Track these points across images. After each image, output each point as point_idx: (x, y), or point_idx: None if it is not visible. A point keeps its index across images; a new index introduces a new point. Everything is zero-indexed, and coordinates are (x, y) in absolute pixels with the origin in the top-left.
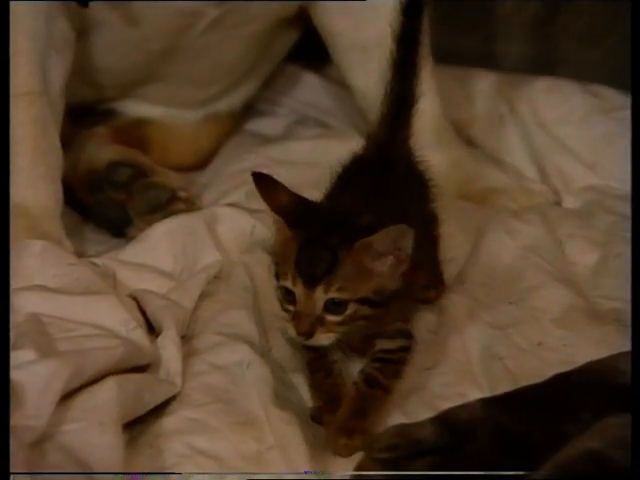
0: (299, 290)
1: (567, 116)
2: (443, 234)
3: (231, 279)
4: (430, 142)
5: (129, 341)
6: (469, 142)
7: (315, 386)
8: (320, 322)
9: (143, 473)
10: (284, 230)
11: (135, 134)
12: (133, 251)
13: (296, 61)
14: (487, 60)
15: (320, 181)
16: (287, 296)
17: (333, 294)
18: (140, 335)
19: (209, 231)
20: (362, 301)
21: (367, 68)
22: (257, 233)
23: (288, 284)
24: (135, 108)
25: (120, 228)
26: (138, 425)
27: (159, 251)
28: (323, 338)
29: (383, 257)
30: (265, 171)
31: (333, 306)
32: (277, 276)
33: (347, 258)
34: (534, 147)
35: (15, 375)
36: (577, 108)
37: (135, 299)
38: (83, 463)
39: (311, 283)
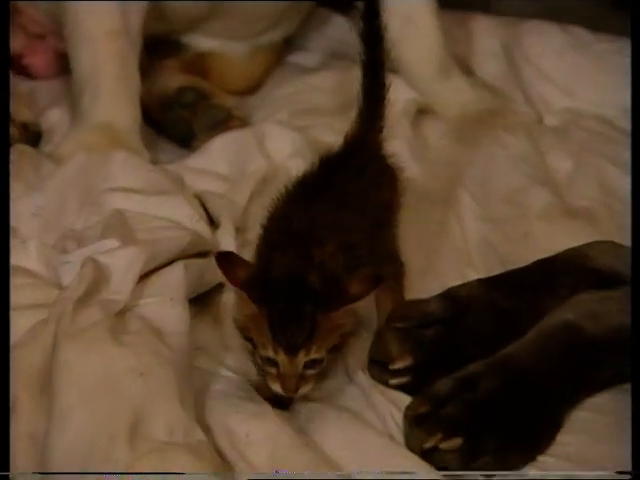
0: (281, 358)
1: (547, 51)
2: None
3: (275, 180)
4: (434, 73)
5: (193, 232)
6: (467, 72)
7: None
8: (302, 378)
9: (144, 473)
10: (249, 305)
11: (198, 65)
12: (197, 159)
13: (326, 5)
14: (486, 7)
15: (348, 105)
16: (268, 362)
17: (313, 355)
18: (202, 227)
19: (257, 143)
20: (334, 348)
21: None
22: (297, 145)
23: (270, 354)
24: (198, 41)
25: (187, 141)
26: (201, 300)
27: (218, 159)
28: (304, 389)
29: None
30: (302, 96)
31: (312, 363)
32: (254, 347)
33: (324, 323)
34: (520, 76)
35: (103, 259)
36: (556, 45)
37: (198, 198)
38: (157, 330)
39: (293, 351)
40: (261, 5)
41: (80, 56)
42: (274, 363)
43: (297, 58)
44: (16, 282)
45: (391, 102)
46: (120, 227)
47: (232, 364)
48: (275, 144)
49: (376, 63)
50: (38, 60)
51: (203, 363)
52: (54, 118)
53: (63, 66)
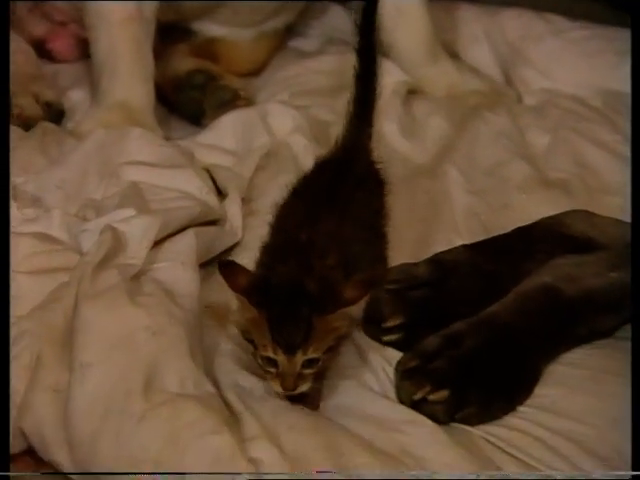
0: (281, 357)
1: (527, 37)
2: None
3: (278, 155)
4: (424, 57)
5: (203, 202)
6: (453, 56)
7: None
8: (300, 377)
9: (144, 473)
10: (250, 309)
11: (207, 49)
12: (206, 135)
13: None
14: None
15: (343, 86)
16: (268, 362)
17: (310, 355)
18: (211, 198)
19: (261, 120)
20: (330, 349)
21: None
22: (297, 122)
23: (269, 354)
24: (207, 28)
25: (197, 119)
26: (210, 265)
27: (225, 135)
28: (303, 387)
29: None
30: (302, 78)
31: (309, 363)
32: (255, 347)
33: (320, 325)
34: (502, 59)
35: (120, 226)
36: (535, 31)
37: (207, 171)
38: (169, 292)
39: (291, 351)
40: None
41: (99, 41)
42: (274, 363)
43: (297, 43)
44: (40, 248)
45: (383, 84)
46: (136, 198)
47: None
48: (277, 121)
49: (368, 74)
50: (60, 45)
51: (212, 322)
52: (75, 98)
53: (83, 50)
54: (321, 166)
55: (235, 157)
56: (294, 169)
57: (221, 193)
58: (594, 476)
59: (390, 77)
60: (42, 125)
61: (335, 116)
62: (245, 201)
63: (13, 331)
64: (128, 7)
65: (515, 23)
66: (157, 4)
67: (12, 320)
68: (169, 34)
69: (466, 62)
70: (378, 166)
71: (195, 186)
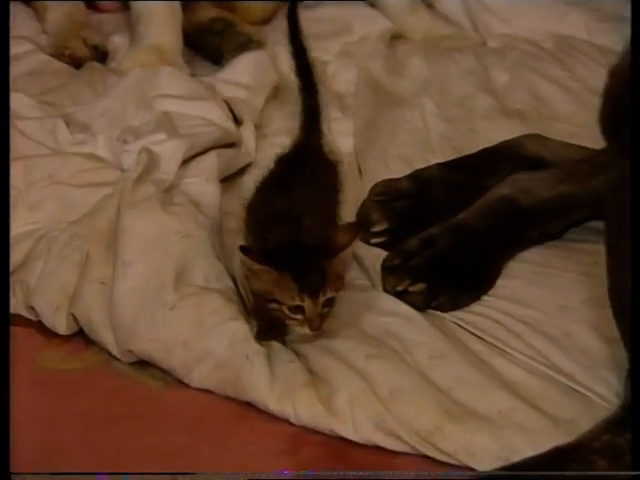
0: (307, 303)
1: None
2: None
3: (284, 89)
4: (404, 7)
5: (223, 128)
6: (429, 7)
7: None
8: (322, 316)
9: (143, 473)
10: (271, 273)
11: (225, 1)
12: (225, 73)
13: None
14: None
15: (337, 32)
16: (295, 310)
17: (329, 294)
18: (230, 124)
19: (270, 61)
20: (339, 287)
21: None
22: None
23: (297, 302)
24: None
25: (217, 59)
26: (229, 180)
27: (241, 73)
28: (325, 325)
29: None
30: (304, 25)
31: (327, 302)
32: (279, 303)
33: (330, 269)
34: (469, 10)
35: (154, 148)
36: None
37: (226, 102)
38: (196, 203)
39: (315, 294)
40: None
41: None
42: (301, 310)
43: None
44: (88, 166)
45: (371, 31)
46: (167, 124)
47: None
48: (284, 62)
49: (310, 87)
50: None
51: (231, 225)
52: (117, 42)
53: (124, 3)
54: (285, 157)
55: (249, 91)
56: (297, 101)
57: (238, 121)
58: (594, 473)
59: (376, 25)
60: (90, 64)
61: (331, 56)
62: (257, 127)
63: (65, 235)
64: None
65: None
66: None
67: (63, 226)
68: None
69: (439, 12)
70: (330, 154)
71: (216, 115)
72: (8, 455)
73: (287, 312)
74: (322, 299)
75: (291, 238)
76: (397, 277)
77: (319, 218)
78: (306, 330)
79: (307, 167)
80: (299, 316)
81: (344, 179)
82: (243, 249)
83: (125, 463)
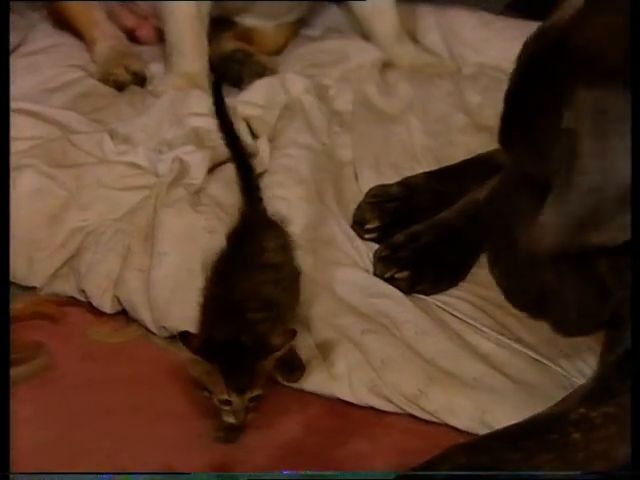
0: (234, 398)
1: (464, 26)
2: None
3: (293, 108)
4: (393, 40)
5: (242, 141)
6: (414, 40)
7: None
8: (247, 410)
9: (142, 473)
10: (205, 364)
11: (245, 35)
12: (244, 95)
13: None
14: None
15: (338, 60)
16: (223, 403)
17: (254, 393)
18: (248, 138)
19: (282, 85)
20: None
21: (364, 2)
22: (306, 86)
23: (225, 397)
24: (244, 20)
25: (237, 83)
26: None
27: (257, 95)
28: (249, 416)
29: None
30: (310, 56)
31: (253, 399)
32: (210, 393)
33: (259, 369)
34: (447, 42)
35: (185, 157)
36: (469, 22)
37: (245, 119)
38: (219, 203)
39: (242, 392)
40: None
41: (170, 30)
42: (228, 402)
43: (306, 31)
44: (130, 172)
45: (365, 60)
46: (195, 138)
47: None
48: (293, 85)
49: (243, 161)
50: (144, 33)
51: None
52: (154, 69)
53: (159, 36)
54: (232, 236)
55: (263, 110)
56: (304, 117)
57: (254, 135)
58: (594, 475)
59: (370, 55)
60: (131, 88)
61: (332, 81)
62: (270, 140)
63: (110, 230)
64: (190, 6)
65: (456, 17)
66: (210, 3)
67: (109, 222)
68: (218, 25)
69: (422, 44)
70: (274, 217)
71: (236, 129)
72: (8, 455)
73: (216, 402)
74: (249, 396)
75: (228, 333)
76: (386, 266)
77: (262, 307)
78: (232, 420)
79: (254, 241)
80: (227, 407)
81: (291, 236)
82: (181, 335)
83: (161, 420)
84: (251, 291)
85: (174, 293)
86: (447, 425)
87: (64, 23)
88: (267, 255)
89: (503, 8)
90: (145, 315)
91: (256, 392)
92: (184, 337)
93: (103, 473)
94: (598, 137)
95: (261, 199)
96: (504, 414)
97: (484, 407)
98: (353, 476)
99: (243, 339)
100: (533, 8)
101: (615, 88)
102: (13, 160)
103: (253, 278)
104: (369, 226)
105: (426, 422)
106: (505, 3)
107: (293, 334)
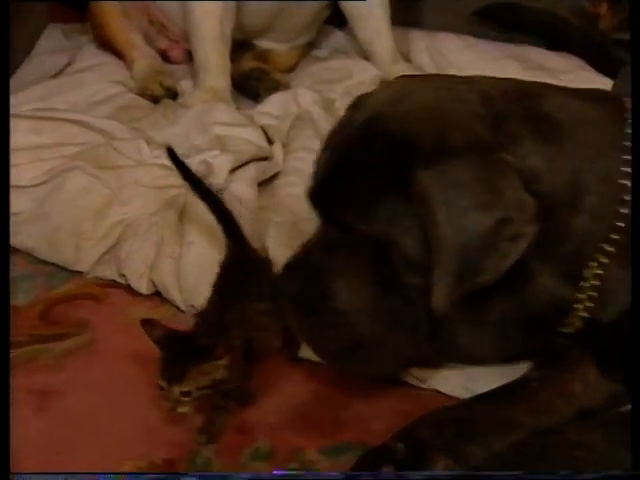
0: (166, 386)
1: (451, 49)
2: None
3: (303, 118)
4: (390, 60)
5: (259, 146)
6: (407, 60)
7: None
8: (178, 402)
9: (142, 473)
10: (158, 350)
11: (262, 56)
12: (261, 107)
13: (330, 23)
14: (416, 24)
15: (343, 78)
16: (160, 388)
17: (185, 388)
18: (264, 144)
19: (294, 98)
20: (202, 388)
21: (364, 27)
22: (315, 99)
23: (160, 383)
24: (262, 43)
25: (255, 97)
26: (262, 184)
27: (273, 107)
28: (183, 409)
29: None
30: (319, 74)
31: (184, 394)
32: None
33: (194, 369)
34: (436, 62)
35: (210, 160)
36: (455, 46)
37: (262, 128)
38: (239, 199)
39: (171, 382)
40: (296, 23)
41: (198, 51)
42: (162, 389)
43: (315, 52)
44: (163, 173)
45: (365, 77)
46: (219, 143)
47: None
48: (303, 99)
49: (219, 208)
50: (175, 54)
51: (264, 216)
52: (184, 85)
53: (189, 57)
54: (225, 265)
55: (278, 119)
56: (313, 126)
57: (270, 141)
58: (594, 476)
59: (369, 72)
60: (164, 101)
61: (337, 95)
62: (284, 145)
63: (146, 223)
64: (215, 30)
65: (444, 41)
66: (232, 28)
67: (145, 216)
68: (239, 47)
69: (415, 64)
70: (263, 253)
71: (255, 137)
72: (8, 455)
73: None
74: (177, 389)
75: (189, 333)
76: None
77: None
78: (165, 403)
79: (241, 274)
80: (162, 393)
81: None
82: (143, 322)
83: None
84: (235, 313)
85: (200, 277)
86: (436, 391)
87: (107, 45)
88: (251, 288)
89: (472, 13)
90: (176, 296)
91: (186, 388)
92: (145, 322)
93: (104, 473)
94: (449, 203)
95: (248, 243)
96: (486, 381)
97: (467, 375)
98: (352, 476)
99: (198, 341)
100: (498, 15)
101: (447, 160)
102: (64, 163)
103: (238, 306)
104: None
105: (417, 389)
106: (474, 10)
107: (233, 349)
